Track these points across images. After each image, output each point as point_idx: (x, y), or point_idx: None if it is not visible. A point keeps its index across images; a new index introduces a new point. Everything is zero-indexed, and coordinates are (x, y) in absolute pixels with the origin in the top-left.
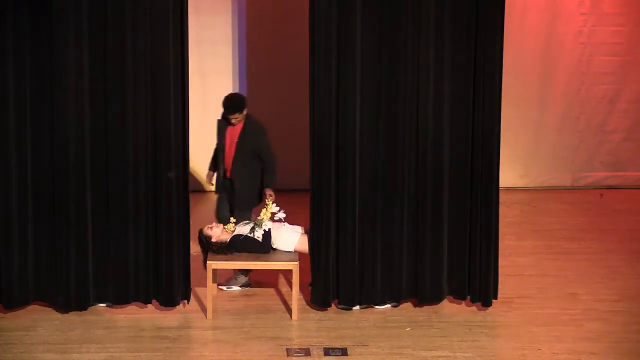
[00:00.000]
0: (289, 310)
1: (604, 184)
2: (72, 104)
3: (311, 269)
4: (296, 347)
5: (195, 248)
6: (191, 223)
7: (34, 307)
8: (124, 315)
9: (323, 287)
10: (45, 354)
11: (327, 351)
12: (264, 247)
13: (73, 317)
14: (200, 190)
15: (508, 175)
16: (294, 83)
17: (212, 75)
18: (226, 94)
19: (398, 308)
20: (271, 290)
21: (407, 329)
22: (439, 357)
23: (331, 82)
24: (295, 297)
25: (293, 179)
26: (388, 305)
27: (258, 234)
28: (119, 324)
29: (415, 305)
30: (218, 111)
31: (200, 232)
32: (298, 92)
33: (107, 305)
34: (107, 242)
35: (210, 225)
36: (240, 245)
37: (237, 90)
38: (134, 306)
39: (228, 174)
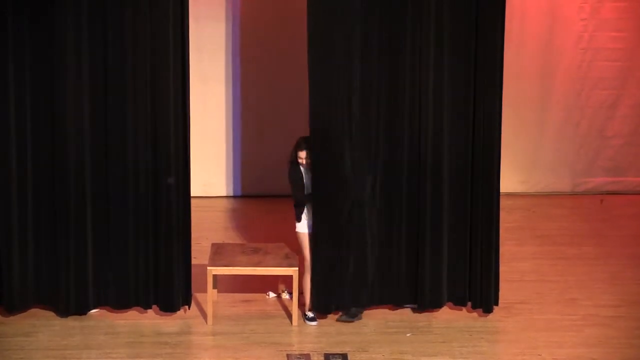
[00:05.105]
0: (289, 316)
1: (604, 190)
2: (72, 110)
3: (311, 274)
4: (297, 352)
5: (194, 254)
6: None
7: (33, 313)
8: (124, 320)
9: (323, 293)
10: None
11: (328, 357)
12: (307, 197)
13: (73, 322)
14: (201, 195)
15: (508, 181)
16: (292, 86)
17: (212, 81)
18: (224, 99)
19: (397, 313)
20: None
21: (408, 335)
22: None
23: (331, 84)
24: (296, 302)
25: None
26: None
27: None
28: (119, 329)
29: (415, 311)
30: (218, 116)
31: (303, 139)
32: (296, 95)
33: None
34: (107, 247)
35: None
36: (293, 176)
37: (232, 96)
38: (134, 311)
39: None
